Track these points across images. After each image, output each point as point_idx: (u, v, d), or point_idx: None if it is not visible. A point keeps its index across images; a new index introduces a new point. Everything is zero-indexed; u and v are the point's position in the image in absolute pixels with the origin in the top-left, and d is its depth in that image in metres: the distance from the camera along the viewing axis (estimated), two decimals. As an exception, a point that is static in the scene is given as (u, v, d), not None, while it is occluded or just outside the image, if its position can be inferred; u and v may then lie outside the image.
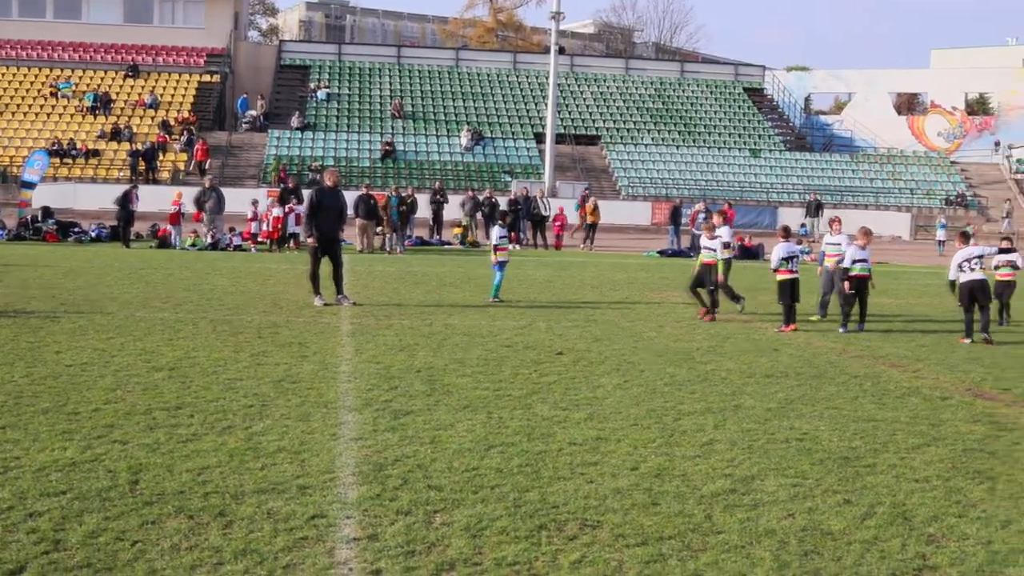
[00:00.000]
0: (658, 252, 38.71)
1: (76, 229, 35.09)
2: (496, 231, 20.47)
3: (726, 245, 19.58)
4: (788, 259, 17.48)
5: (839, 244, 18.76)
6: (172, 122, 56.02)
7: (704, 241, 18.98)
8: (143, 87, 60.14)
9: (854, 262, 17.46)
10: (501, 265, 19.86)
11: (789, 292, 17.32)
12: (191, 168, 51.05)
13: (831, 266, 18.55)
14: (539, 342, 14.76)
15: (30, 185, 39.40)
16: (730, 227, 19.97)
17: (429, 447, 8.65)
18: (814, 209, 49.71)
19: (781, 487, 7.88)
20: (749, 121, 66.41)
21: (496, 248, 19.97)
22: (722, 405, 10.82)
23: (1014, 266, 18.86)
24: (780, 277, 17.43)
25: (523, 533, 6.67)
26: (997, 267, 18.99)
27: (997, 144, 67.38)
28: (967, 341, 16.48)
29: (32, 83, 59.64)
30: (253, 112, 59.78)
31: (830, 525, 7.05)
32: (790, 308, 17.31)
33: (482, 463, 8.22)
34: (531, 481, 7.80)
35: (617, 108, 65.72)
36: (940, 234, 48.00)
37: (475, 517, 6.92)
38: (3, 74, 60.19)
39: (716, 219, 19.99)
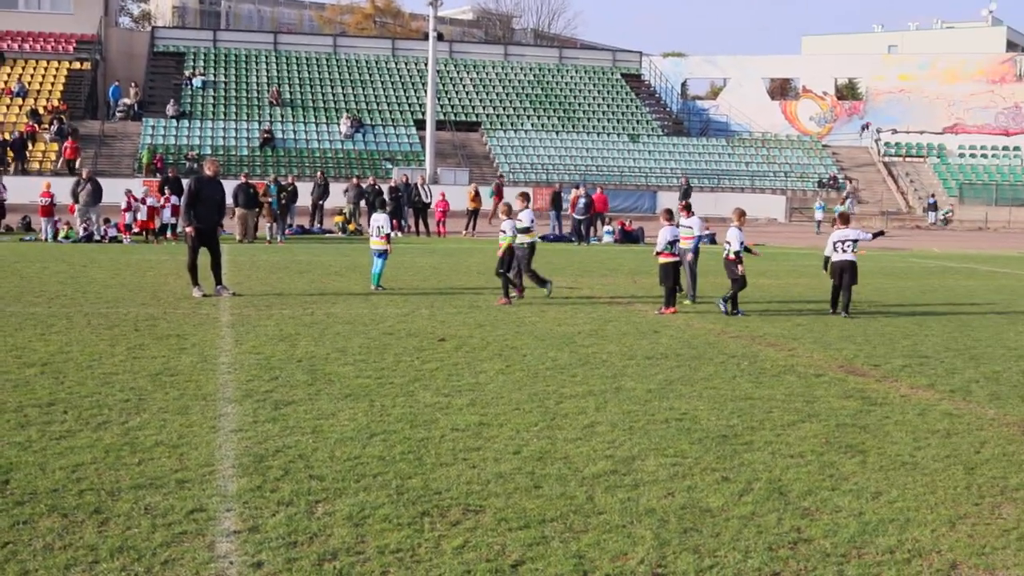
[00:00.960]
0: (540, 237, 38.93)
1: (-59, 223, 33.87)
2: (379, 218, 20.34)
3: (526, 230, 18.99)
4: (672, 242, 17.69)
5: (691, 227, 19.06)
6: (41, 111, 54.45)
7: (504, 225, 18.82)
8: (9, 75, 58.31)
9: (742, 243, 17.73)
10: (382, 254, 19.77)
11: (672, 275, 17.56)
12: (59, 165, 49.63)
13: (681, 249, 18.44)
14: (422, 329, 14.73)
15: None
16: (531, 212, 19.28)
17: (311, 437, 8.58)
18: (684, 192, 50.15)
19: (661, 467, 8.01)
20: (627, 106, 67.13)
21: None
22: (603, 387, 10.94)
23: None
24: (663, 260, 17.64)
25: (406, 520, 6.66)
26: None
27: (865, 127, 69.25)
28: (832, 312, 17.44)
29: None
30: (127, 100, 58.42)
31: (709, 502, 7.19)
32: (672, 291, 17.56)
33: (364, 452, 8.19)
34: (414, 468, 7.79)
35: (497, 94, 65.86)
36: (818, 215, 49.33)
37: (357, 506, 6.90)
38: None
39: (518, 202, 19.39)
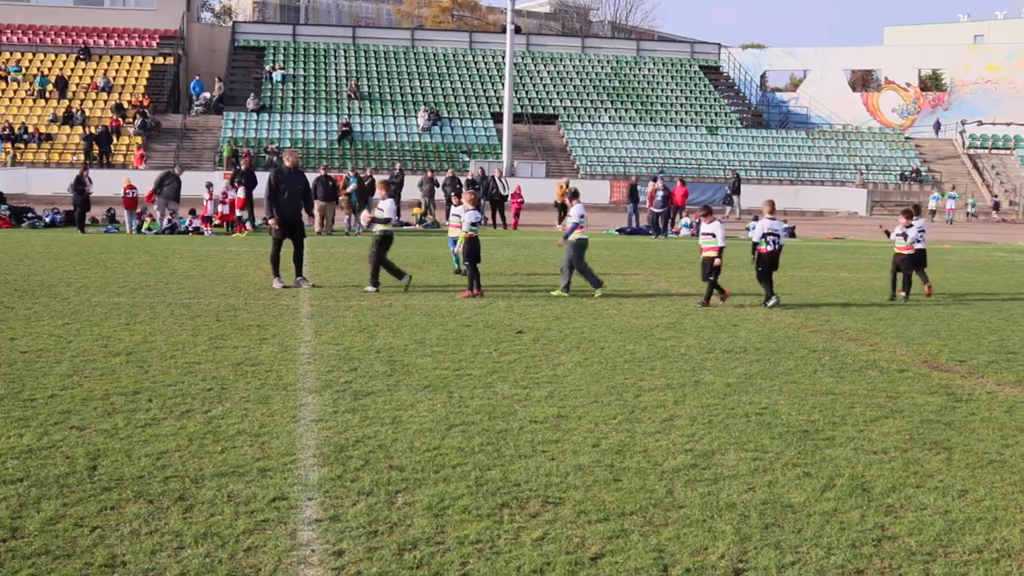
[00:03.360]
0: (617, 230, 38.79)
1: (30, 214, 34.66)
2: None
3: (385, 220, 18.44)
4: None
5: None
6: (126, 105, 55.42)
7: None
8: (95, 70, 59.44)
9: (764, 236, 17.49)
10: (454, 241, 20.41)
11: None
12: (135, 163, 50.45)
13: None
14: (499, 321, 14.75)
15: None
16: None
17: (390, 427, 8.63)
18: (734, 187, 49.51)
19: (741, 461, 7.93)
20: (706, 99, 66.60)
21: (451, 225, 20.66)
22: (682, 381, 10.87)
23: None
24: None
25: (485, 511, 6.67)
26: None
27: (937, 126, 68.05)
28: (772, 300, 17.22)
29: (-20, 67, 58.82)
30: (208, 95, 59.25)
31: (790, 498, 7.10)
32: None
33: (443, 443, 8.21)
34: (493, 460, 7.80)
35: (574, 87, 65.70)
36: (932, 204, 50.47)
37: (437, 496, 6.92)
38: (-50, 58, 59.32)
39: (380, 191, 19.20)
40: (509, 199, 39.44)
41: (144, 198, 33.65)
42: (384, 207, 18.67)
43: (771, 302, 17.15)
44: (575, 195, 18.48)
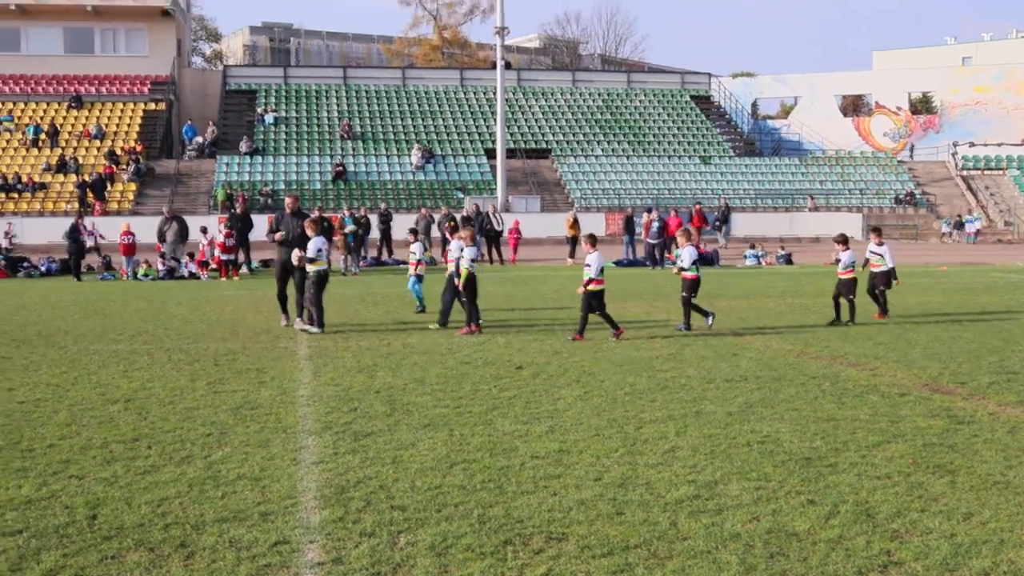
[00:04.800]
0: (614, 262, 38.81)
1: (26, 264, 34.68)
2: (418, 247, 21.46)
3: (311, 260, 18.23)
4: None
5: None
6: (119, 152, 55.56)
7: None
8: (87, 118, 59.64)
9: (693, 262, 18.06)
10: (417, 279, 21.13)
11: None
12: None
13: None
14: (499, 357, 14.72)
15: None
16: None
17: (391, 467, 8.59)
18: (723, 216, 48.91)
19: (745, 491, 7.89)
20: (698, 128, 66.84)
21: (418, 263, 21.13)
22: (683, 412, 10.83)
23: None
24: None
25: (489, 549, 6.63)
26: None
27: (911, 149, 68.71)
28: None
29: (-27, 118, 58.99)
30: (200, 139, 59.43)
31: (795, 526, 7.06)
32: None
33: (445, 481, 8.17)
34: (495, 497, 7.76)
35: (566, 121, 65.94)
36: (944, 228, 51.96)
37: (440, 535, 6.88)
38: (-57, 110, 59.51)
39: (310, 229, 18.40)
40: (505, 234, 39.48)
41: (155, 248, 33.77)
42: (311, 247, 17.98)
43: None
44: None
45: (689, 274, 17.91)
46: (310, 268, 17.95)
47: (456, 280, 18.05)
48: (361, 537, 6.87)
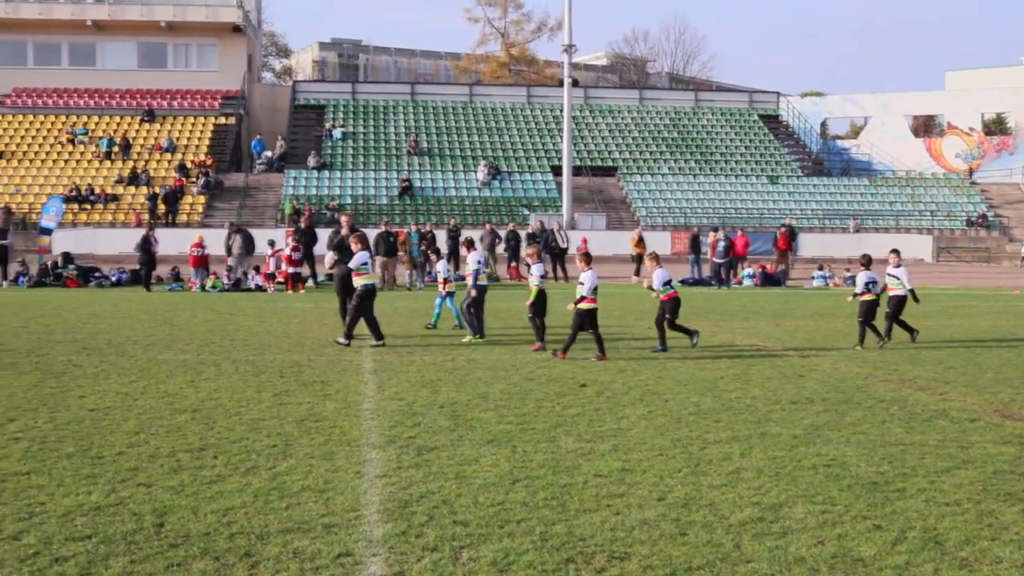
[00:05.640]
0: (679, 281, 38.61)
1: (97, 274, 35.26)
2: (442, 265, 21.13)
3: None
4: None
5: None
6: (189, 165, 56.37)
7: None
8: (159, 131, 60.59)
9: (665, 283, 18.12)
10: (448, 296, 20.63)
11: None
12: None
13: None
14: (563, 375, 14.70)
15: (47, 231, 39.79)
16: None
17: (454, 482, 8.60)
18: (790, 234, 48.12)
19: (810, 514, 7.80)
20: (766, 148, 66.40)
21: (445, 280, 20.52)
22: (748, 433, 10.74)
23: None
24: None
25: (551, 567, 6.61)
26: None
27: (970, 172, 67.72)
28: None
29: (49, 130, 60.18)
30: (269, 153, 60.11)
31: (861, 551, 6.96)
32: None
33: (508, 497, 8.17)
34: (557, 514, 7.74)
35: (633, 139, 65.84)
36: None
37: (502, 552, 6.87)
38: (20, 122, 60.78)
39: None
40: (572, 251, 39.39)
41: (224, 261, 34.22)
42: (355, 261, 18.15)
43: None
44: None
45: (665, 295, 17.98)
46: (356, 282, 18.09)
47: (528, 300, 17.98)
48: (423, 551, 6.88)
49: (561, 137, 58.00)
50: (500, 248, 39.84)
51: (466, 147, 62.86)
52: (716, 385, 13.90)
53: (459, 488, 8.42)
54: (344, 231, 18.93)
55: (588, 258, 17.49)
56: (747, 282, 37.65)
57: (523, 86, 76.59)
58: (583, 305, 16.75)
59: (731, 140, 66.80)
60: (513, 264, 38.97)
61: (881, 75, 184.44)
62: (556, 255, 39.02)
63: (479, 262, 19.31)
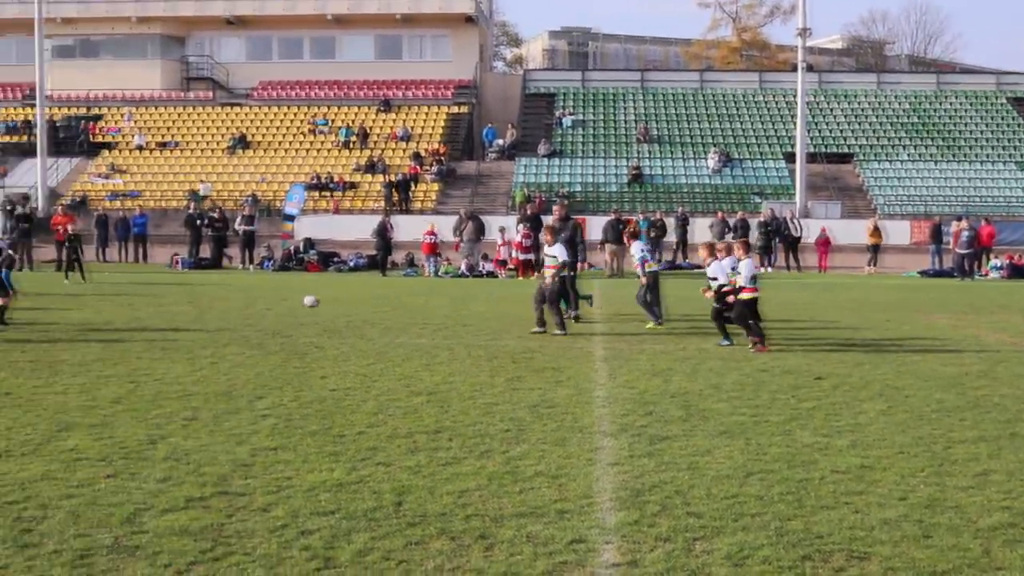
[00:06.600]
0: (919, 272, 37.21)
1: (336, 259, 36.65)
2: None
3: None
4: None
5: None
6: (423, 153, 57.79)
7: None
8: (395, 120, 62.34)
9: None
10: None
11: None
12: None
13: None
14: (797, 366, 14.36)
15: (290, 218, 41.60)
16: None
17: (687, 473, 8.51)
18: None
19: (1068, 521, 7.36)
20: (1015, 133, 63.05)
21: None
22: (997, 433, 10.21)
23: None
24: None
25: (787, 563, 6.45)
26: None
27: None
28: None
29: (292, 121, 62.76)
30: (500, 141, 60.99)
31: None
32: None
33: (742, 490, 8.02)
34: (794, 510, 7.55)
35: (870, 124, 63.64)
36: None
37: (737, 545, 6.75)
38: (266, 114, 63.59)
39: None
40: (810, 240, 38.55)
41: (453, 246, 35.07)
42: (554, 252, 18.23)
43: None
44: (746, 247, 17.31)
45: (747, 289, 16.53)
46: (546, 274, 18.23)
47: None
48: (656, 541, 6.83)
49: (794, 123, 56.58)
50: (728, 236, 39.27)
51: (696, 134, 62.14)
52: (960, 382, 13.28)
53: (692, 479, 8.33)
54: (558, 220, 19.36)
55: (747, 247, 17.01)
56: (994, 274, 35.94)
57: (755, 71, 75.09)
58: (744, 295, 16.23)
59: (976, 125, 63.69)
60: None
61: None
62: (790, 244, 38.21)
63: (643, 250, 19.28)
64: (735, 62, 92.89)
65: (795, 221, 38.95)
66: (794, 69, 55.55)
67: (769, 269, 37.87)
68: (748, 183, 56.24)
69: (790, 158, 56.38)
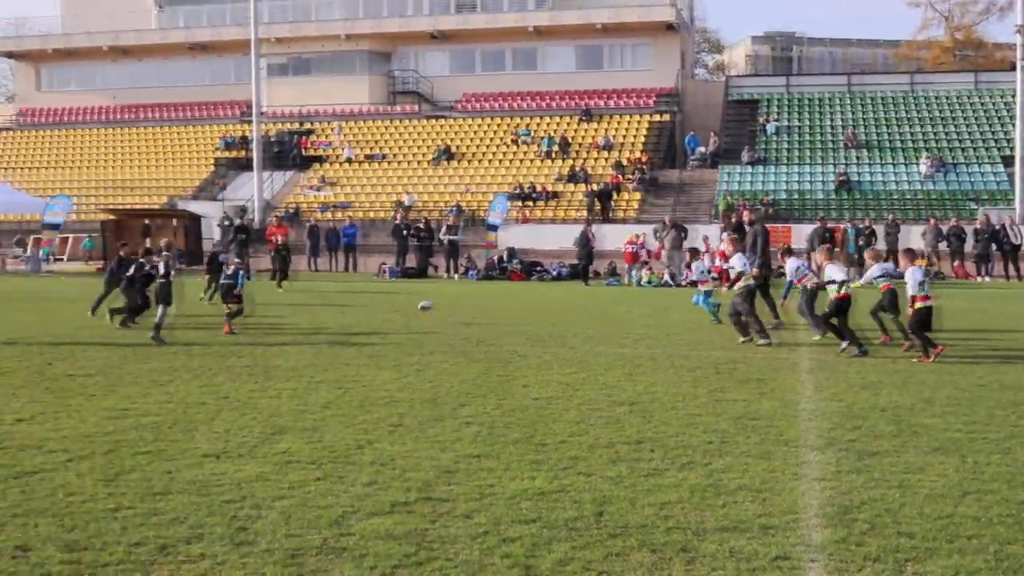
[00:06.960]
0: None
1: (539, 268, 36.96)
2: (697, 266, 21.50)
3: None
4: None
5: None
6: (625, 162, 57.69)
7: None
8: (596, 130, 62.46)
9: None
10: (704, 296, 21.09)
11: None
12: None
13: None
14: (1017, 381, 13.68)
15: (494, 228, 42.19)
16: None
17: (898, 491, 8.21)
18: None
19: None
20: None
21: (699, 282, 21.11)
22: None
23: None
24: None
25: (1008, 589, 6.15)
26: None
27: None
28: None
29: (495, 132, 63.65)
30: (703, 149, 60.37)
31: None
32: None
33: (957, 510, 7.69)
34: (1014, 533, 7.18)
35: (1097, 125, 60.26)
36: None
37: (952, 569, 6.47)
38: (470, 125, 64.68)
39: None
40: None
41: (655, 254, 34.92)
42: (735, 263, 18.58)
43: None
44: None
45: (841, 294, 16.67)
46: (739, 284, 18.21)
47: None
48: (865, 561, 6.61)
49: (1013, 125, 54.02)
50: (943, 245, 37.83)
51: (907, 138, 60.06)
52: None
53: (903, 497, 8.03)
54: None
55: (912, 254, 16.54)
56: None
57: (970, 71, 72.04)
58: (919, 304, 15.54)
59: None
60: (958, 262, 36.91)
61: None
62: (1007, 252, 36.52)
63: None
64: (948, 62, 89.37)
65: (1015, 228, 37.16)
66: (1012, 68, 53.09)
67: (987, 279, 36.30)
68: (963, 188, 54.01)
69: (1008, 161, 53.83)
